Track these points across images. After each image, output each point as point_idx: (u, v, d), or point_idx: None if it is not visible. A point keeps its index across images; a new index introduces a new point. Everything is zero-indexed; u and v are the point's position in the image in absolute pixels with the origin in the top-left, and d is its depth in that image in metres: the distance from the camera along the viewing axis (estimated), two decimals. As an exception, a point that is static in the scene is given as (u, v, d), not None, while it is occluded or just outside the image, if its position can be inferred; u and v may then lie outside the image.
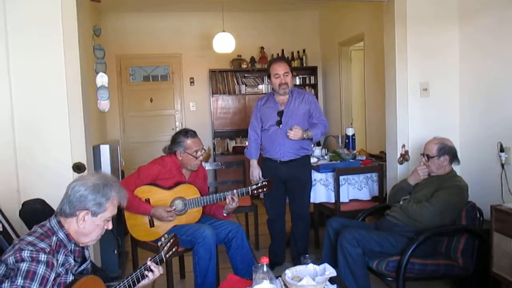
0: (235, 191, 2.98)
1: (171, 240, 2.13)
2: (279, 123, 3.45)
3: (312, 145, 4.70)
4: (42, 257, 1.61)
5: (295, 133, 3.31)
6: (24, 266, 1.56)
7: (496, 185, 3.11)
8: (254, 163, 3.63)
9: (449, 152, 2.91)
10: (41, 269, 1.58)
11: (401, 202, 2.96)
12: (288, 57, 6.80)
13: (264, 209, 3.76)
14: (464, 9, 3.49)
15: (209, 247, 2.78)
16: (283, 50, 6.81)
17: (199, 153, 3.03)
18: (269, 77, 3.52)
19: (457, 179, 2.89)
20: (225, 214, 3.07)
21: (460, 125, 3.59)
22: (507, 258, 2.47)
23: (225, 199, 2.98)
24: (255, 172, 3.61)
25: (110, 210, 1.81)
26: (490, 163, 3.22)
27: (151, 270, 1.93)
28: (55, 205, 2.58)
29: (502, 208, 2.57)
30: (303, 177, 3.54)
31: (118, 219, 3.20)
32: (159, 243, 2.12)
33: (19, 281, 1.54)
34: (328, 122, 3.66)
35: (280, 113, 3.46)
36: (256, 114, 3.60)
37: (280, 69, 3.42)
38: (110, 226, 1.85)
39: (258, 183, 3.06)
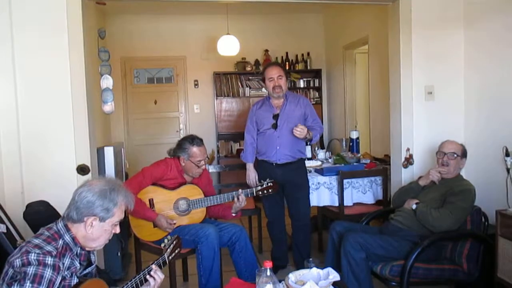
0: (240, 190, 3.03)
1: (174, 242, 2.12)
2: (275, 126, 3.47)
3: (317, 148, 4.73)
4: (49, 260, 1.61)
5: (301, 130, 3.28)
6: (31, 269, 1.56)
7: (501, 190, 3.09)
8: (250, 166, 3.64)
9: (466, 155, 2.96)
10: (48, 273, 1.58)
11: (413, 207, 2.89)
12: (292, 60, 6.82)
13: (267, 212, 3.76)
14: (469, 13, 3.47)
15: (212, 245, 2.78)
16: (287, 53, 6.81)
17: (202, 162, 3.03)
18: (263, 81, 3.57)
19: (466, 182, 2.90)
20: (233, 214, 3.10)
21: (465, 129, 3.57)
22: (513, 264, 2.45)
23: (228, 200, 3.04)
24: (252, 175, 3.62)
25: (118, 215, 1.81)
26: (495, 168, 3.20)
27: (152, 276, 1.90)
28: (58, 207, 2.61)
29: (507, 213, 2.56)
30: (299, 180, 3.54)
31: (122, 221, 3.21)
32: (162, 245, 2.12)
33: (27, 285, 1.54)
34: (328, 124, 3.66)
35: (276, 116, 3.48)
36: (252, 118, 3.62)
37: (273, 72, 3.45)
38: (117, 230, 1.85)
39: (263, 184, 3.08)
